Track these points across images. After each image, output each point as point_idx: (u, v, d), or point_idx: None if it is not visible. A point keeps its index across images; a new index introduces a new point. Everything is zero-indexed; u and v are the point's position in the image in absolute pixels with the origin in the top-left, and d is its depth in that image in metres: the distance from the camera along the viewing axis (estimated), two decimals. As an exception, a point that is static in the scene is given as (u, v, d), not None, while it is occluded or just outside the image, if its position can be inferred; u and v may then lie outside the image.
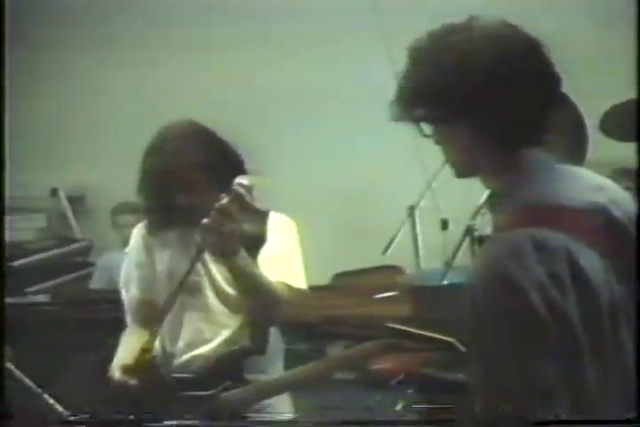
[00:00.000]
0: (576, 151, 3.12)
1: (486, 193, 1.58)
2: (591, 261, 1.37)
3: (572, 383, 1.32)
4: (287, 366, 2.34)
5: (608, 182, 1.53)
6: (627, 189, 4.56)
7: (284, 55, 4.86)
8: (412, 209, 4.10)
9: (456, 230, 3.50)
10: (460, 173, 1.54)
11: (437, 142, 1.52)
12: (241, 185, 2.10)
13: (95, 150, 5.00)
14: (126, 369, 2.14)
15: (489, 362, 1.36)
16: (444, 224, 4.05)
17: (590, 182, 1.50)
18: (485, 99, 1.41)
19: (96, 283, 4.55)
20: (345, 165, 4.77)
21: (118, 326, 2.34)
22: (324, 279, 3.61)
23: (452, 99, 1.42)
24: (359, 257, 3.85)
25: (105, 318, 3.00)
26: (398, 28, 4.05)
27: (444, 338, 2.07)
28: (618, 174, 4.36)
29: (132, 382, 2.12)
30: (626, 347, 1.38)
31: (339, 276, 3.95)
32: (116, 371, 2.16)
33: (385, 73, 1.50)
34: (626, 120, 3.78)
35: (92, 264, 4.79)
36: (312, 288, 2.29)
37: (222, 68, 4.94)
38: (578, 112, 3.16)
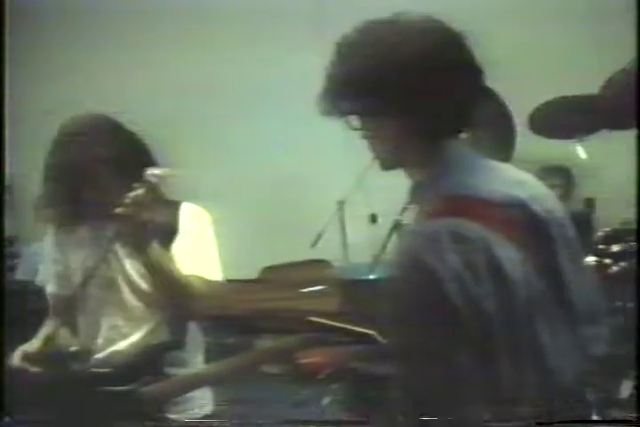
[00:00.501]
0: (504, 147, 3.19)
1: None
2: (508, 254, 1.40)
3: (486, 374, 1.36)
4: (216, 361, 2.33)
5: (529, 178, 1.58)
6: (555, 186, 4.69)
7: (214, 51, 4.85)
8: (341, 203, 4.15)
9: (385, 225, 3.54)
10: (386, 166, 1.58)
11: (365, 136, 1.56)
12: (154, 175, 2.12)
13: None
14: (25, 356, 2.15)
15: (407, 352, 1.39)
16: (373, 218, 4.10)
17: (511, 177, 1.55)
18: (411, 91, 1.45)
19: (22, 274, 4.48)
20: (275, 158, 4.80)
21: (43, 318, 2.33)
22: (252, 272, 3.62)
23: (378, 91, 1.46)
24: (288, 250, 3.87)
25: (31, 309, 2.96)
26: (328, 22, 4.09)
27: (364, 331, 2.09)
28: (547, 172, 4.49)
29: (32, 369, 2.12)
30: (541, 340, 1.41)
31: (267, 269, 3.95)
32: (15, 357, 2.16)
33: (315, 67, 1.50)
34: (554, 117, 3.91)
35: (18, 255, 4.70)
36: (240, 281, 2.29)
37: (154, 63, 4.90)
38: (505, 108, 3.23)
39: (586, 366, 1.52)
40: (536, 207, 1.51)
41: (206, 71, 4.82)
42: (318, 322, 2.26)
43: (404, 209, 3.24)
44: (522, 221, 1.48)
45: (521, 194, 1.50)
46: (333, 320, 2.30)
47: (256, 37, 4.78)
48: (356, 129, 1.55)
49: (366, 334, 2.10)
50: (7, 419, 1.83)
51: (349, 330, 2.18)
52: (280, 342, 2.41)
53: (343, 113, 1.53)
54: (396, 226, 3.23)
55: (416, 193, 1.58)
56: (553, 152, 4.25)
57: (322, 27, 3.97)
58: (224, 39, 4.85)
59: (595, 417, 1.52)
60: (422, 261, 1.37)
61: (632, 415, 1.46)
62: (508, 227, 1.44)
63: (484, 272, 1.37)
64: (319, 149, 4.37)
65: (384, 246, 3.17)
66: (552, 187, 4.21)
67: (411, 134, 1.50)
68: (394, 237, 3.30)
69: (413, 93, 1.45)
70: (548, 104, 3.95)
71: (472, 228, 1.40)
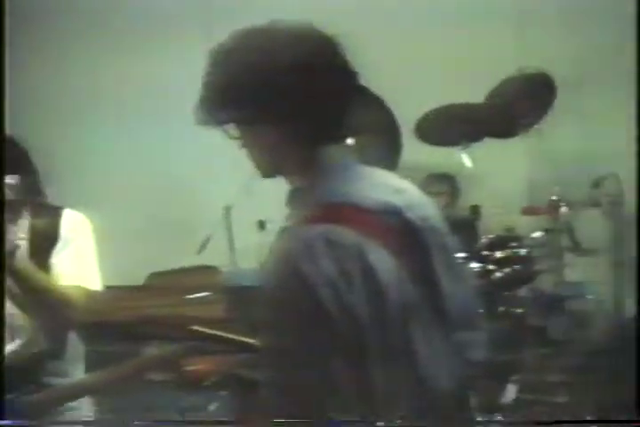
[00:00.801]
0: (390, 154, 3.27)
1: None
2: (382, 261, 1.43)
3: (359, 380, 1.38)
4: (98, 369, 2.32)
5: (408, 185, 1.62)
6: (441, 193, 4.84)
7: (99, 52, 4.79)
8: (227, 209, 4.15)
9: (273, 231, 3.58)
10: (266, 173, 1.60)
11: (243, 144, 1.57)
12: (8, 185, 2.12)
13: None
14: None
15: (281, 358, 1.41)
16: (261, 225, 4.12)
17: (389, 184, 1.58)
18: (285, 98, 1.47)
19: None
20: (161, 164, 4.77)
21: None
22: (139, 279, 3.60)
23: (253, 99, 1.48)
24: (175, 257, 3.85)
25: None
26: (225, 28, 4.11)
27: (245, 340, 2.13)
28: (433, 179, 4.63)
29: None
30: (416, 346, 1.45)
31: (154, 275, 3.93)
32: None
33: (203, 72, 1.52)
34: (440, 125, 4.03)
35: None
36: (126, 288, 2.28)
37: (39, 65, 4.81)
38: (392, 116, 3.32)
39: (463, 372, 1.55)
40: (411, 215, 1.54)
41: (91, 74, 4.76)
42: (201, 331, 2.28)
43: (291, 215, 3.29)
44: (397, 228, 1.50)
45: (397, 201, 1.53)
46: (218, 328, 2.33)
47: (141, 40, 4.76)
48: (234, 138, 1.56)
49: (247, 343, 2.14)
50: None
51: (231, 339, 2.21)
52: (163, 351, 2.42)
53: (220, 122, 1.54)
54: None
55: (294, 200, 1.60)
56: (439, 160, 4.40)
57: (211, 30, 4.00)
58: (107, 41, 4.80)
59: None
60: (296, 267, 1.39)
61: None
62: (382, 234, 1.47)
63: (358, 279, 1.40)
64: (206, 154, 4.37)
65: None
66: (438, 194, 4.45)
67: (288, 142, 1.52)
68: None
69: (288, 100, 1.48)
70: (433, 112, 4.04)
71: (346, 234, 1.42)
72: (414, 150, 3.55)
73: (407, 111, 3.60)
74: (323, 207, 1.49)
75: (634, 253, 3.99)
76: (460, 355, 1.55)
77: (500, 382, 3.51)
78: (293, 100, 1.48)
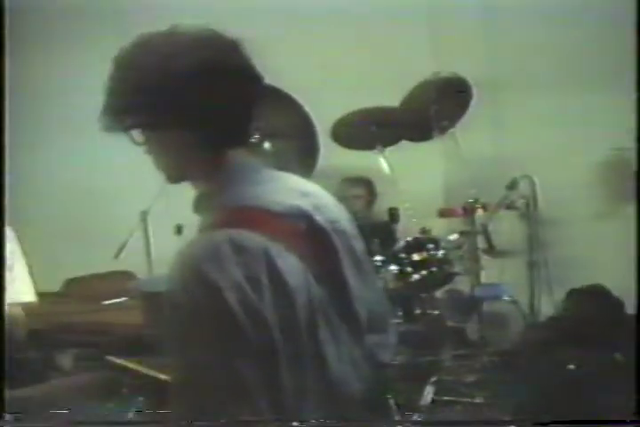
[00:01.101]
0: (307, 158, 3.34)
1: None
2: (289, 264, 1.44)
3: (269, 384, 1.39)
4: (14, 375, 2.31)
5: (316, 189, 1.64)
6: (357, 197, 4.92)
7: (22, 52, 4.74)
8: (144, 214, 4.12)
9: (190, 236, 3.59)
10: (172, 179, 1.61)
11: (149, 150, 1.58)
12: None
13: None
14: None
15: (187, 363, 1.41)
16: (179, 229, 4.10)
17: (296, 188, 1.60)
18: (188, 102, 1.49)
19: None
20: (77, 167, 4.73)
21: None
22: (55, 285, 3.58)
23: (155, 103, 1.49)
24: (92, 262, 3.84)
25: None
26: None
27: (159, 376, 2.13)
28: (350, 183, 4.71)
29: None
30: (325, 349, 1.47)
31: (70, 281, 3.90)
32: None
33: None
34: (356, 129, 4.11)
35: None
36: (43, 294, 2.28)
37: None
38: (308, 119, 3.37)
39: (373, 374, 1.58)
40: (319, 218, 1.55)
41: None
42: (116, 363, 2.28)
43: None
44: (304, 232, 1.52)
45: (304, 204, 1.55)
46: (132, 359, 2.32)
47: (57, 40, 4.73)
48: (139, 144, 1.56)
49: (160, 379, 2.12)
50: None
51: (145, 374, 2.20)
52: (75, 381, 2.40)
53: (124, 128, 1.54)
54: None
55: (200, 205, 1.60)
56: (356, 163, 4.48)
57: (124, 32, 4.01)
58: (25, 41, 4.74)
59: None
60: (202, 272, 1.38)
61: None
62: (289, 237, 1.48)
63: (265, 283, 1.40)
64: (122, 159, 4.37)
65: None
66: (355, 197, 4.54)
67: (192, 146, 1.53)
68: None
69: (190, 104, 1.48)
70: (349, 115, 4.12)
71: (252, 238, 1.43)
72: (331, 154, 3.62)
73: (324, 115, 3.67)
74: (228, 211, 1.50)
75: (547, 254, 4.17)
76: (370, 357, 1.57)
77: (417, 383, 3.60)
78: (196, 104, 1.48)
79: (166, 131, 1.53)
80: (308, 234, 1.53)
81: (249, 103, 1.57)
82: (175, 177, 1.60)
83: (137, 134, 1.56)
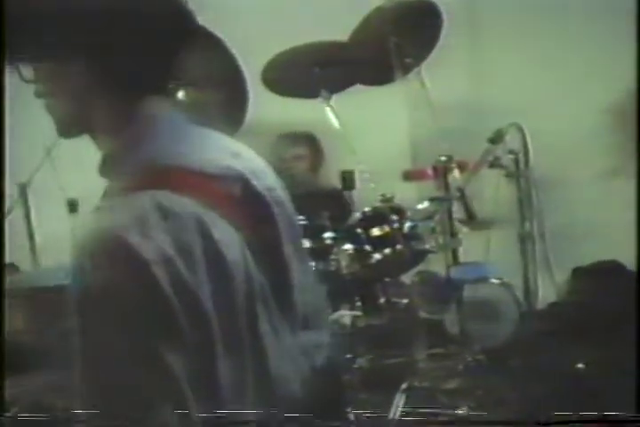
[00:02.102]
0: (231, 110, 3.40)
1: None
2: (226, 234, 1.52)
3: (201, 375, 1.46)
4: None
5: (245, 149, 1.74)
6: (299, 157, 4.98)
7: None
8: (23, 187, 4.13)
9: (88, 213, 3.61)
10: (66, 131, 1.68)
11: (41, 91, 1.64)
12: None
13: None
14: None
15: (100, 349, 1.43)
16: (72, 206, 4.13)
17: (225, 146, 1.70)
18: (100, 31, 1.55)
19: None
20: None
21: None
22: None
23: (58, 30, 1.55)
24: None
25: None
26: None
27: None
28: (288, 140, 4.77)
29: None
30: (264, 341, 1.56)
31: None
32: None
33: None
34: (292, 71, 4.14)
35: None
36: None
37: None
38: (233, 62, 3.42)
39: (322, 381, 1.68)
40: (255, 183, 1.65)
41: None
42: None
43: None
44: (239, 198, 1.61)
45: (238, 166, 1.63)
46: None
47: None
48: (29, 81, 1.61)
49: None
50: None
51: None
52: None
53: (16, 59, 1.59)
54: None
55: (107, 166, 1.65)
56: (295, 115, 4.57)
57: None
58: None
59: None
60: (125, 242, 1.41)
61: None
62: (223, 203, 1.56)
63: (199, 254, 1.46)
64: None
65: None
66: (295, 159, 4.61)
67: (99, 88, 1.59)
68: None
69: (102, 35, 1.54)
70: (284, 54, 4.11)
71: (181, 202, 1.49)
72: (263, 105, 3.67)
73: (254, 55, 3.71)
74: (149, 172, 1.56)
75: (543, 223, 4.20)
76: (310, 358, 1.69)
77: (384, 391, 3.70)
78: (109, 35, 1.54)
79: (62, 66, 1.58)
80: (245, 201, 1.62)
81: (174, 42, 1.64)
82: (72, 128, 1.67)
83: (26, 69, 1.61)
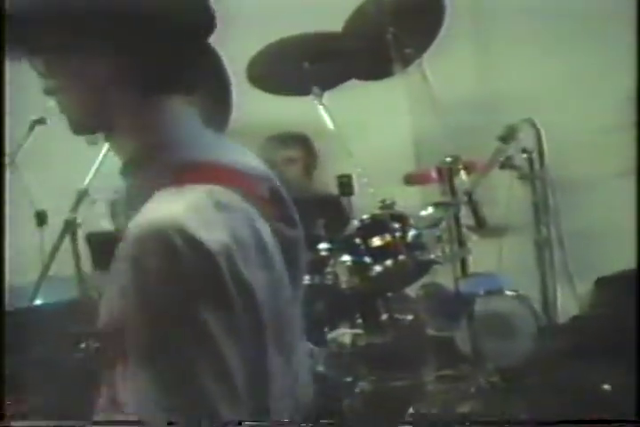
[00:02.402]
0: (214, 111, 3.37)
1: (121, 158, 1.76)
2: (267, 232, 1.66)
3: (254, 378, 1.58)
4: None
5: (247, 151, 1.83)
6: (292, 160, 4.96)
7: None
8: None
9: (58, 226, 3.60)
10: (84, 126, 1.74)
11: (54, 88, 1.69)
12: None
13: None
14: None
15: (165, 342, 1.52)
16: (41, 218, 4.08)
17: (241, 147, 1.81)
18: (129, 26, 1.62)
19: None
20: None
21: None
22: None
23: (85, 21, 1.60)
24: None
25: None
26: None
27: None
28: (278, 142, 4.75)
29: None
30: (295, 342, 1.71)
31: None
32: None
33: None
34: (280, 66, 4.13)
35: None
36: None
37: None
38: (222, 65, 3.41)
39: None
40: (276, 181, 1.79)
41: None
42: None
43: (78, 203, 3.36)
44: (269, 197, 1.74)
45: (262, 167, 1.78)
46: None
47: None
48: (43, 75, 1.67)
49: None
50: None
51: None
52: None
53: (33, 50, 1.65)
54: (69, 227, 3.32)
55: (133, 165, 1.73)
56: (284, 115, 4.53)
57: None
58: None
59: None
60: (185, 228, 1.51)
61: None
62: (259, 201, 1.68)
63: (252, 251, 1.59)
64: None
65: (51, 258, 3.24)
66: (287, 162, 4.58)
67: (124, 86, 1.66)
68: (67, 244, 3.40)
69: (129, 29, 1.62)
70: (271, 48, 4.10)
71: (235, 198, 1.62)
72: (249, 104, 3.68)
73: (237, 49, 3.68)
74: (193, 167, 1.66)
75: (562, 228, 4.15)
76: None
77: (388, 417, 3.62)
78: (135, 29, 1.62)
79: (86, 61, 1.63)
80: (273, 201, 1.75)
81: (201, 38, 1.75)
82: (87, 127, 1.73)
83: (40, 62, 1.66)
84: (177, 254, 1.50)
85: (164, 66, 1.68)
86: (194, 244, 1.50)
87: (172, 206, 1.55)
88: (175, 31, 1.67)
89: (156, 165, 1.69)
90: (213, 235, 1.53)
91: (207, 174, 1.64)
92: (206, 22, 1.75)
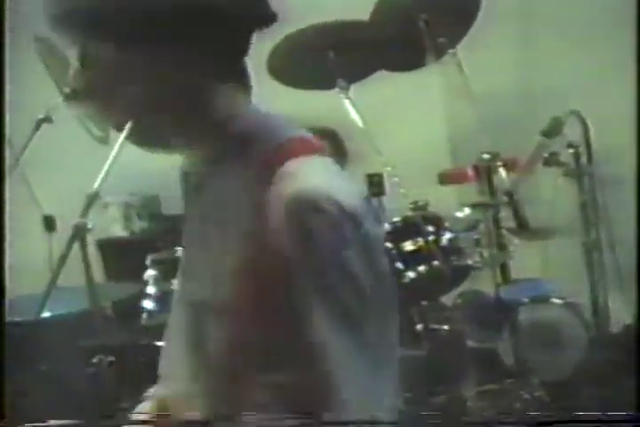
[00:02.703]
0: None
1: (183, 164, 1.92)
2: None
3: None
4: None
5: None
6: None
7: None
8: None
9: (66, 232, 3.65)
10: (148, 140, 1.87)
11: (105, 75, 1.76)
12: None
13: None
14: None
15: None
16: (49, 223, 4.14)
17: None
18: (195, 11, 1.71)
19: None
20: None
21: None
22: None
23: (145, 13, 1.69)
24: None
25: None
26: None
27: None
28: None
29: None
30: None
31: None
32: None
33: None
34: (303, 57, 4.14)
35: None
36: None
37: None
38: None
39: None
40: None
41: None
42: None
43: (88, 208, 3.40)
44: None
45: None
46: None
47: None
48: (89, 66, 1.74)
49: None
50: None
51: None
52: None
53: (79, 37, 1.73)
54: (79, 233, 3.36)
55: (222, 157, 1.84)
56: (307, 110, 4.53)
57: None
58: None
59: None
60: (341, 198, 1.66)
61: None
62: None
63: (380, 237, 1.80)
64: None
65: (60, 265, 3.29)
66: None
67: (192, 74, 1.77)
68: (76, 251, 3.45)
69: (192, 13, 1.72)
70: (293, 37, 4.08)
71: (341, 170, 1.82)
72: (268, 97, 3.71)
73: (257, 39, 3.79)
74: (291, 142, 1.81)
75: (613, 231, 4.19)
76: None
77: None
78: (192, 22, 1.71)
79: (141, 48, 1.72)
80: None
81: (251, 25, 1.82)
82: (153, 136, 1.85)
83: (102, 49, 1.73)
84: (336, 222, 1.65)
85: (229, 56, 1.80)
86: (348, 213, 1.65)
87: (313, 176, 1.72)
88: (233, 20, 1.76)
89: (249, 151, 1.80)
90: (355, 201, 1.70)
91: (308, 146, 1.82)
92: (262, 14, 1.82)
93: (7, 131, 2.76)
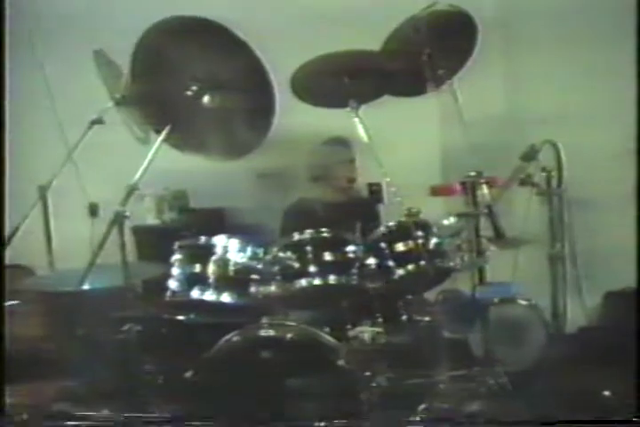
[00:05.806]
0: (258, 116, 3.44)
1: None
2: None
3: None
4: None
5: None
6: (351, 160, 4.85)
7: None
8: (42, 189, 4.13)
9: (107, 218, 3.68)
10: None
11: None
12: None
13: None
14: None
15: None
16: (93, 210, 4.23)
17: None
18: None
19: None
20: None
21: None
22: None
23: None
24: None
25: None
26: None
27: None
28: (333, 145, 4.75)
29: None
30: None
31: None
32: None
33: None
34: (320, 80, 4.14)
35: None
36: None
37: None
38: (261, 67, 3.53)
39: None
40: None
41: None
42: None
43: (127, 198, 3.45)
44: None
45: None
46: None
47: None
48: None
49: None
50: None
51: None
52: None
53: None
54: (117, 219, 3.41)
55: None
56: (321, 125, 4.57)
57: None
58: None
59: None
60: None
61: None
62: None
63: None
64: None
65: (100, 247, 3.34)
66: (351, 162, 4.55)
67: None
68: (114, 235, 3.49)
69: None
70: (313, 63, 4.09)
71: None
72: (288, 113, 3.79)
73: (283, 62, 3.82)
74: None
75: (575, 244, 4.20)
76: None
77: (400, 412, 3.70)
78: None
79: None
80: None
81: None
82: None
83: None
84: None
85: None
86: None
87: None
88: None
89: None
90: None
91: None
92: None
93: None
